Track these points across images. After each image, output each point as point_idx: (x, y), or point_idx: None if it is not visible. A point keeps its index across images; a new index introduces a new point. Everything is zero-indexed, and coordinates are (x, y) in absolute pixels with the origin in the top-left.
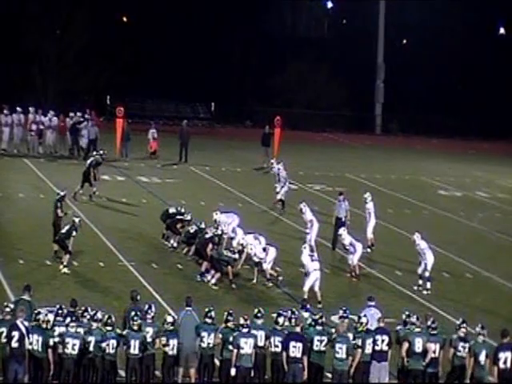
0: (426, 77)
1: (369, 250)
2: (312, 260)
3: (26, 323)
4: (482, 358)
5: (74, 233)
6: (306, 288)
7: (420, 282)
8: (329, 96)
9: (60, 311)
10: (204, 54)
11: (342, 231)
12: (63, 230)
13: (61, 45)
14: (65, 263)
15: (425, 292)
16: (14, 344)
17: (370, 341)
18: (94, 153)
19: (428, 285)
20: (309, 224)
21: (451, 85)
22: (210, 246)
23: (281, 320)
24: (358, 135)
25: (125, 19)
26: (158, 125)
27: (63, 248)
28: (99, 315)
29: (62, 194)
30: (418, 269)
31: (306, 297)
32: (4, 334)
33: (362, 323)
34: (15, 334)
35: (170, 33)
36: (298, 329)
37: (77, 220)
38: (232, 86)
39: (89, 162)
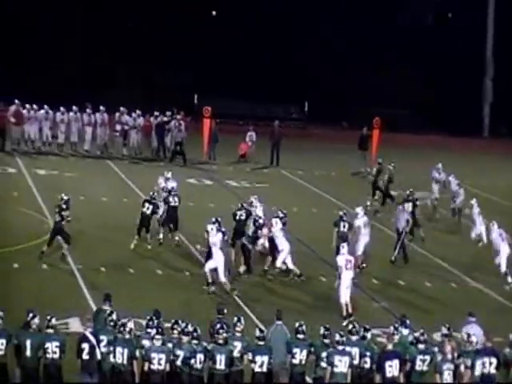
0: None
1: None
2: (346, 268)
3: (104, 336)
4: None
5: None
6: (342, 300)
7: (509, 279)
8: (432, 95)
9: (150, 322)
10: (298, 50)
11: None
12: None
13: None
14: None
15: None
16: (85, 356)
17: (479, 362)
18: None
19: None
20: None
21: None
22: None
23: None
24: (462, 138)
25: (214, 13)
26: (255, 126)
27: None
28: (190, 328)
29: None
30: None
31: (344, 311)
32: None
33: (471, 342)
34: (85, 346)
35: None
36: (390, 346)
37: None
38: (328, 85)
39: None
